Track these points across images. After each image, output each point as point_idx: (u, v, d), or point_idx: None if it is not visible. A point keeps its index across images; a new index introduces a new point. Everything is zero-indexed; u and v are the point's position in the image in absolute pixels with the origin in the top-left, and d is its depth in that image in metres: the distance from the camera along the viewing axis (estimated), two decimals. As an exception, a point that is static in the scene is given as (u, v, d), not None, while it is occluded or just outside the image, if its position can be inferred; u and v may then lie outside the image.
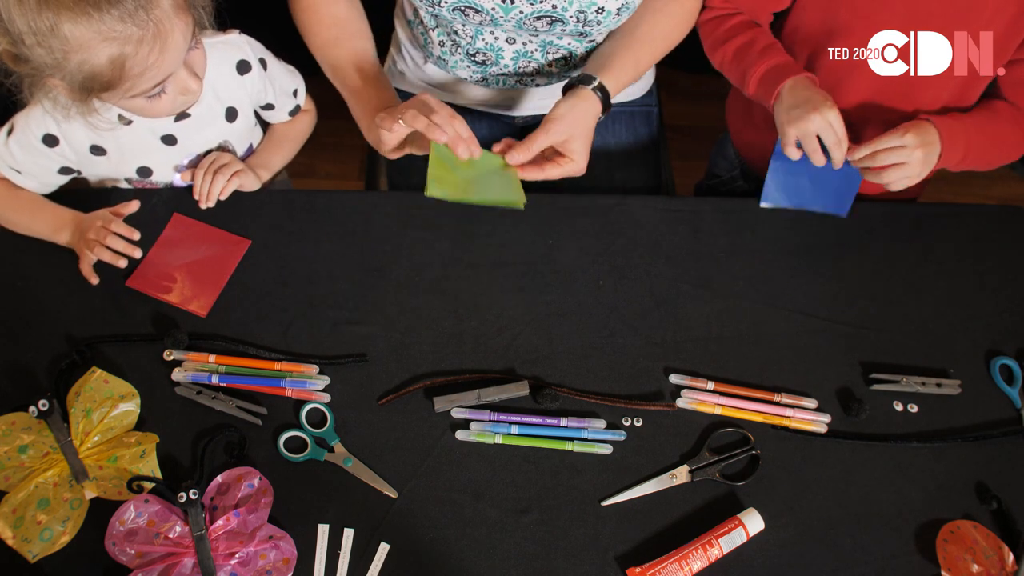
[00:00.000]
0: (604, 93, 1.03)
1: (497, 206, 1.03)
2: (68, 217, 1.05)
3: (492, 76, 1.21)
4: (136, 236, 1.03)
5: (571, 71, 1.21)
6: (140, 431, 0.95)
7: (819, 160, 1.01)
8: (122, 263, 1.02)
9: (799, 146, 1.01)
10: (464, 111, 1.32)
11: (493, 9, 1.06)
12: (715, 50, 1.13)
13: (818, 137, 0.99)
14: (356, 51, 1.08)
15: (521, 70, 1.18)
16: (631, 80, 1.08)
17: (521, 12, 1.06)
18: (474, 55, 1.16)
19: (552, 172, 1.00)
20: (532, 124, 1.35)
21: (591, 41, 1.16)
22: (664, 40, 1.11)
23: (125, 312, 1.02)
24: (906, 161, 1.00)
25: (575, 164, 1.00)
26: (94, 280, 1.02)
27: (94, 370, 0.95)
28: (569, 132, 0.99)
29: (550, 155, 1.02)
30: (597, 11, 1.06)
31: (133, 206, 1.06)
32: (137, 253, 1.03)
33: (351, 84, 1.06)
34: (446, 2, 1.06)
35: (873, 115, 1.09)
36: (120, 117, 1.03)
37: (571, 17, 1.06)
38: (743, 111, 1.27)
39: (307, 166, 1.90)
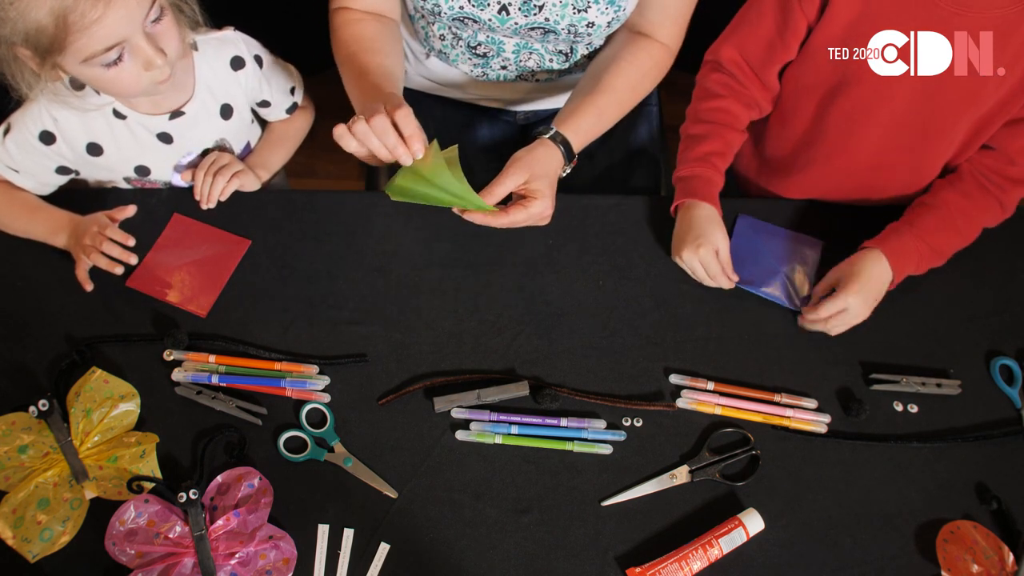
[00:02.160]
0: (565, 143, 1.03)
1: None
2: (65, 220, 1.05)
3: (493, 70, 1.21)
4: (132, 242, 1.03)
5: (571, 67, 1.21)
6: (140, 431, 0.95)
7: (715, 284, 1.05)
8: (118, 270, 1.02)
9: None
10: (465, 106, 1.32)
11: (490, 20, 1.08)
12: (686, 118, 1.13)
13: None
14: (367, 65, 1.04)
15: (523, 62, 1.19)
16: (595, 127, 1.07)
17: (516, 23, 1.08)
18: (475, 47, 1.16)
19: (517, 215, 0.98)
20: (534, 121, 1.35)
21: (588, 44, 1.16)
22: (631, 91, 1.09)
23: (125, 312, 1.02)
24: (852, 319, 1.00)
25: (539, 203, 0.98)
26: (88, 287, 1.02)
27: (94, 370, 0.95)
28: (528, 172, 0.98)
29: (515, 201, 1.00)
30: (587, 25, 1.07)
31: (130, 211, 1.06)
32: (133, 259, 1.02)
33: (356, 98, 1.04)
34: (445, 14, 1.07)
35: (890, 157, 1.08)
36: (115, 112, 1.04)
37: (563, 29, 1.08)
38: (749, 153, 1.26)
39: (307, 166, 1.90)
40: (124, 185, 1.13)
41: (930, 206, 1.07)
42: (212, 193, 1.07)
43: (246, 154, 1.19)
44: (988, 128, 1.03)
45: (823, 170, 1.13)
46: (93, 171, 1.10)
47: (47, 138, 1.03)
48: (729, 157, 1.10)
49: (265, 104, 1.17)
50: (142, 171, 1.11)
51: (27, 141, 1.02)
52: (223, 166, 1.09)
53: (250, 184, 1.11)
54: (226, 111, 1.11)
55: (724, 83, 1.09)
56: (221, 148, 1.13)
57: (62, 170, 1.08)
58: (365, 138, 0.90)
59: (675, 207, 1.08)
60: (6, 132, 1.03)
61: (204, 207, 1.08)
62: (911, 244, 1.04)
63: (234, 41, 1.10)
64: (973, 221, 1.07)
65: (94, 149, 1.06)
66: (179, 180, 1.12)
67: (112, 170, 1.10)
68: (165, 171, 1.12)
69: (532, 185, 0.98)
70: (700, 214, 1.05)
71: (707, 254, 1.02)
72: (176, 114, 1.07)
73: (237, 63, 1.10)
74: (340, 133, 0.91)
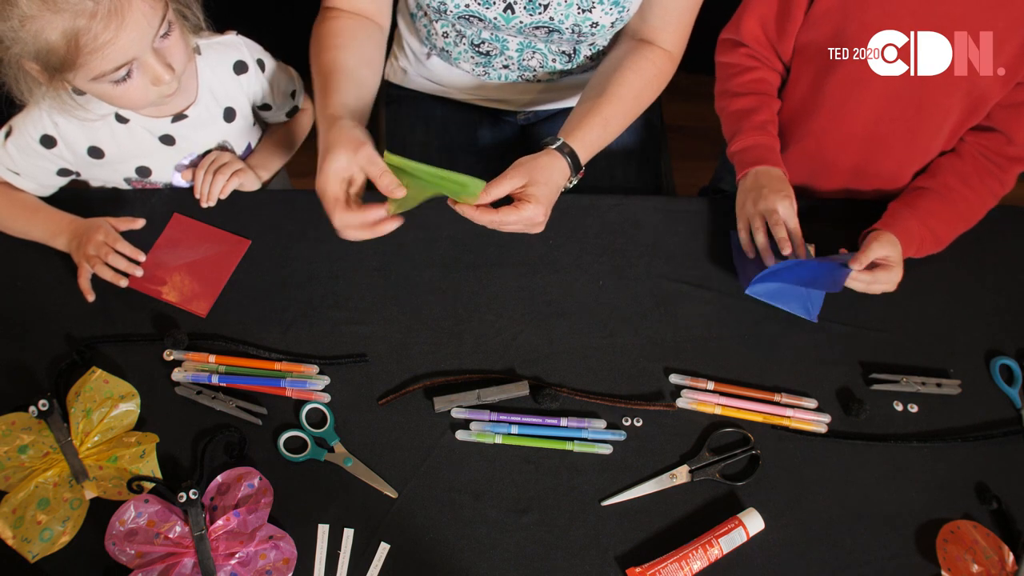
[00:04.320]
0: (572, 155, 1.01)
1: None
2: (65, 222, 1.05)
3: (495, 69, 1.21)
4: (141, 258, 1.03)
5: (574, 68, 1.21)
6: (140, 431, 0.95)
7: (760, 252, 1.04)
8: (123, 283, 1.02)
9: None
10: (466, 107, 1.32)
11: (495, 18, 1.07)
12: (721, 98, 1.16)
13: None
14: (320, 61, 1.03)
15: (525, 62, 1.19)
16: (601, 137, 1.06)
17: (521, 22, 1.08)
18: (479, 45, 1.16)
19: (508, 217, 0.95)
20: (534, 122, 1.35)
21: (591, 45, 1.16)
22: (635, 99, 1.09)
23: (125, 312, 1.02)
24: (883, 289, 1.03)
25: (532, 207, 0.95)
26: (90, 297, 1.02)
27: (94, 370, 0.95)
28: (527, 177, 0.96)
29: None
30: (591, 25, 1.07)
31: (138, 223, 1.07)
32: (138, 272, 1.02)
33: (316, 94, 1.02)
34: (451, 12, 1.07)
35: (885, 128, 1.09)
36: (117, 117, 1.04)
37: (567, 29, 1.08)
38: None
39: (307, 166, 1.90)
40: (125, 186, 1.13)
41: (931, 190, 1.09)
42: (212, 191, 1.07)
43: (247, 155, 1.19)
44: (982, 105, 1.05)
45: (819, 142, 1.14)
46: (94, 172, 1.10)
47: (48, 142, 1.03)
48: (777, 124, 1.13)
49: (266, 108, 1.17)
50: (143, 172, 1.11)
51: (28, 145, 1.02)
52: (223, 164, 1.09)
53: (250, 183, 1.11)
54: (229, 114, 1.11)
55: (750, 55, 1.12)
56: (223, 149, 1.14)
57: (63, 172, 1.08)
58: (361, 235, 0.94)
59: (746, 172, 1.09)
60: (7, 135, 1.03)
61: (204, 205, 1.08)
62: (914, 227, 1.05)
63: (237, 45, 1.10)
64: (974, 206, 1.08)
65: (95, 152, 1.06)
66: (179, 180, 1.12)
67: (113, 171, 1.10)
68: (166, 172, 1.12)
69: (529, 190, 0.96)
70: (773, 173, 1.07)
71: (789, 206, 1.03)
72: (179, 117, 1.07)
73: (240, 67, 1.10)
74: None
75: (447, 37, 1.17)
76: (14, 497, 0.89)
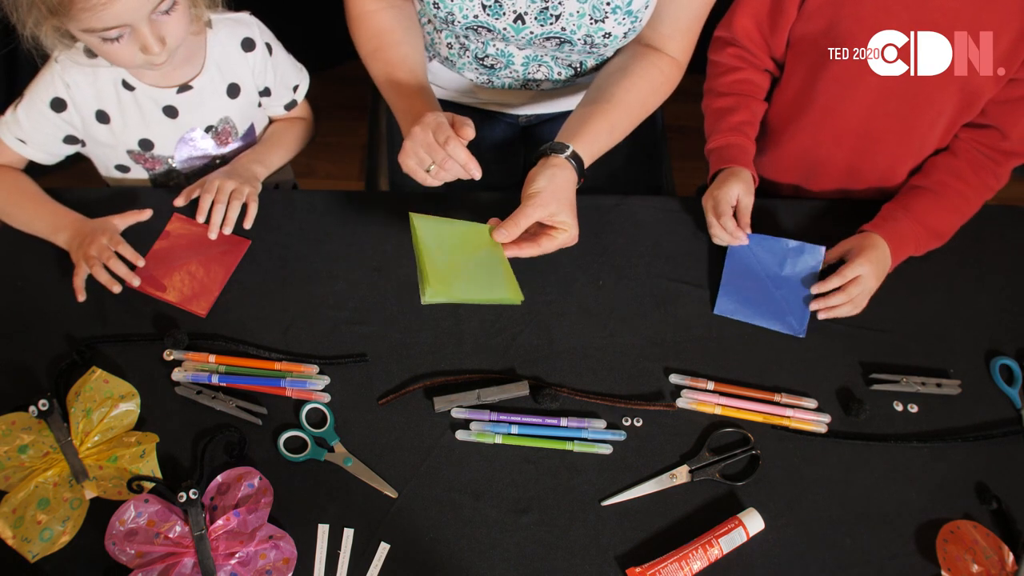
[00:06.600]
0: (578, 161, 1.00)
1: (496, 303, 1.00)
2: (69, 219, 1.05)
3: (500, 79, 1.21)
4: (141, 262, 1.03)
5: (579, 79, 1.20)
6: (140, 431, 0.95)
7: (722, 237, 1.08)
8: (116, 288, 1.01)
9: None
10: (468, 110, 1.32)
11: (505, 29, 1.07)
12: (706, 96, 1.18)
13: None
14: (392, 61, 1.05)
15: (531, 75, 1.18)
16: (606, 144, 1.05)
17: (531, 32, 1.07)
18: (483, 59, 1.16)
19: (547, 245, 0.97)
20: (536, 123, 1.35)
21: (599, 56, 1.16)
22: (640, 105, 1.08)
23: (125, 312, 1.02)
24: (866, 287, 1.03)
25: (568, 234, 0.97)
26: (81, 297, 1.01)
27: (94, 370, 0.95)
28: (554, 206, 0.95)
29: (535, 231, 0.99)
30: (604, 36, 1.06)
31: (144, 215, 1.07)
32: (136, 281, 1.02)
33: (391, 99, 1.05)
34: (459, 22, 1.07)
35: (879, 124, 1.09)
36: (124, 84, 1.05)
37: (579, 40, 1.07)
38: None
39: (307, 166, 1.90)
40: (128, 160, 1.13)
41: (925, 188, 1.10)
42: (230, 216, 1.06)
43: (250, 136, 1.19)
44: (976, 101, 1.05)
45: (813, 137, 1.15)
46: (99, 141, 1.10)
47: (58, 105, 1.04)
48: (756, 126, 1.14)
49: (267, 92, 1.18)
50: (146, 145, 1.11)
51: (37, 108, 1.04)
52: (234, 190, 1.07)
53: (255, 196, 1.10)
54: (232, 90, 1.12)
55: (739, 55, 1.12)
56: (224, 126, 1.14)
57: (69, 139, 1.09)
58: (442, 177, 0.95)
59: (712, 176, 1.10)
60: (18, 104, 1.05)
61: (212, 236, 1.05)
62: (908, 227, 1.06)
63: (248, 23, 1.12)
64: (970, 199, 1.09)
65: (102, 116, 1.07)
66: (178, 200, 1.10)
67: (117, 142, 1.10)
68: (168, 146, 1.13)
69: (558, 218, 0.96)
70: (742, 173, 1.08)
71: (724, 195, 1.06)
72: (184, 88, 1.08)
73: (248, 44, 1.11)
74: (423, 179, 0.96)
75: (451, 48, 1.16)
76: (14, 497, 0.89)
